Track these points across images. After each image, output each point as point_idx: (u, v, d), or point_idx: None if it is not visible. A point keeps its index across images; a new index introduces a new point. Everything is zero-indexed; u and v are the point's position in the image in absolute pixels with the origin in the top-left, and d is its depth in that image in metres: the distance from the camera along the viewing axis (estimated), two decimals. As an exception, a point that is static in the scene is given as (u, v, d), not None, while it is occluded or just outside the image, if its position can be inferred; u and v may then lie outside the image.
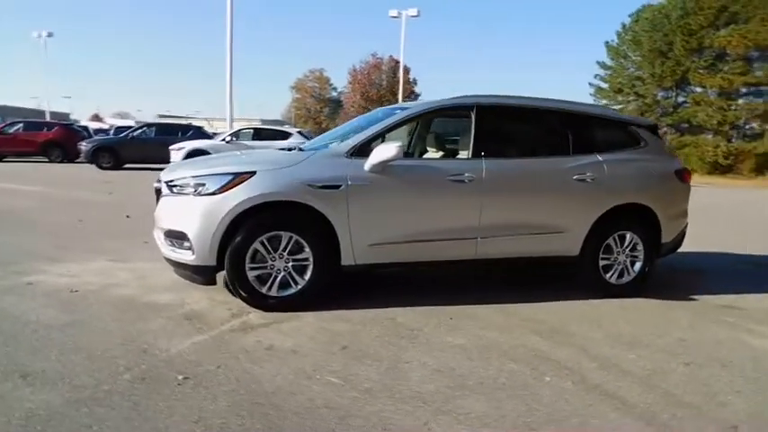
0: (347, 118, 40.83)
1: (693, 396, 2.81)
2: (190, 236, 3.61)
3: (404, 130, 4.52)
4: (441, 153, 4.67)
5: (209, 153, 14.29)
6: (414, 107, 4.17)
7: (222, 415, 2.38)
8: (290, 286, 3.77)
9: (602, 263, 4.51)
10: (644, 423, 2.52)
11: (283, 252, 3.72)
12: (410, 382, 2.79)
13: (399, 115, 4.05)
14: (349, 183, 3.76)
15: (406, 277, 4.97)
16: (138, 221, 6.99)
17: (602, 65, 40.34)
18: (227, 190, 3.60)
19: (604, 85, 40.26)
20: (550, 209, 4.34)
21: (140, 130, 18.40)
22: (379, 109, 5.27)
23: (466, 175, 4.05)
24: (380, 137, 3.96)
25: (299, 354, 3.07)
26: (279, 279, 3.74)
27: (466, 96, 4.28)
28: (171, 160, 13.50)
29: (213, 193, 3.61)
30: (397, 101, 38.91)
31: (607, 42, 39.74)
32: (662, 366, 3.16)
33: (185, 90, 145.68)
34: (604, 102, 40.23)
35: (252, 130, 15.66)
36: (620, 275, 4.58)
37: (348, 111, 41.17)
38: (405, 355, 3.14)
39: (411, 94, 32.36)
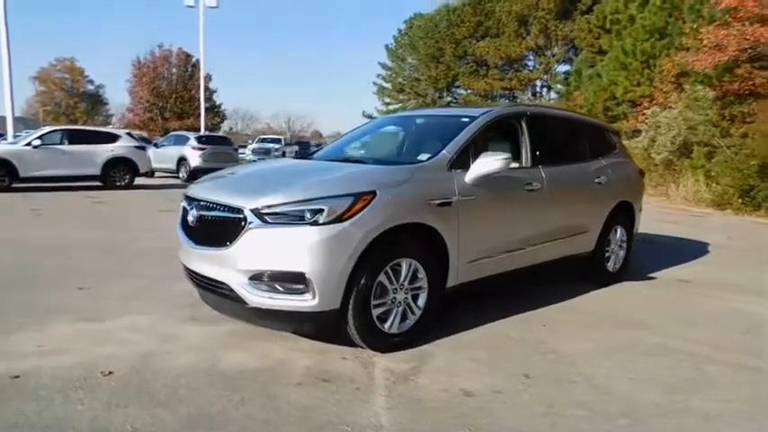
0: (135, 115, 35.75)
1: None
2: (310, 276, 2.87)
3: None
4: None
5: (10, 161, 11.23)
6: (476, 116, 4.00)
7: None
8: (407, 318, 3.31)
9: (605, 254, 5.06)
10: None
11: (404, 282, 3.24)
12: (627, 396, 2.77)
13: (474, 125, 3.84)
14: (458, 197, 3.46)
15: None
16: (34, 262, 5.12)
17: (384, 65, 43.69)
18: (351, 215, 2.96)
19: (387, 85, 43.68)
20: (583, 211, 4.68)
21: None
22: (377, 120, 4.92)
23: (534, 183, 4.10)
24: (469, 148, 3.72)
25: (501, 393, 2.75)
26: (399, 312, 3.24)
27: (517, 105, 4.32)
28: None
29: (337, 220, 2.93)
30: (191, 97, 35.73)
31: (387, 45, 43.17)
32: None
33: None
34: (387, 100, 43.77)
35: (62, 132, 12.54)
36: (614, 264, 5.21)
37: (135, 108, 36.00)
38: (577, 369, 3.08)
39: (206, 90, 29.92)
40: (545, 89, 37.43)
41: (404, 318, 3.29)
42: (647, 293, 4.91)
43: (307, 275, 2.87)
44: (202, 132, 23.43)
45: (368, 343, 3.15)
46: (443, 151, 3.59)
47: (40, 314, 3.70)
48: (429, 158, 3.57)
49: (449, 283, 3.53)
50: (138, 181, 13.79)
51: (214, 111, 38.96)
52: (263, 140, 30.52)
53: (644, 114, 16.94)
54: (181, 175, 16.61)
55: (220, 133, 30.97)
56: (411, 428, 2.39)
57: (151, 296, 4.25)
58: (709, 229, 9.30)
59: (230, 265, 3.01)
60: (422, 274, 3.32)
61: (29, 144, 11.68)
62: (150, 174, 15.78)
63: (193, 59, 36.46)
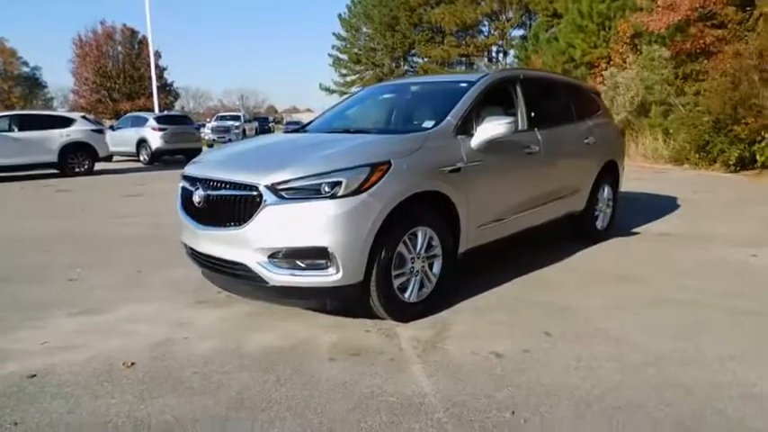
0: (81, 97, 33.54)
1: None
2: (333, 250, 2.81)
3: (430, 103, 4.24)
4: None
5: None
6: (475, 81, 3.95)
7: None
8: (424, 287, 3.32)
9: (594, 213, 5.20)
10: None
11: (421, 250, 3.23)
12: (646, 346, 2.87)
13: (474, 91, 3.80)
14: (466, 163, 3.45)
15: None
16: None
17: (338, 36, 42.75)
18: (369, 186, 2.91)
19: (343, 56, 42.85)
20: (575, 171, 4.77)
21: None
22: (361, 89, 4.81)
23: (532, 146, 4.13)
24: (471, 113, 3.69)
25: (529, 352, 2.81)
26: (417, 281, 3.24)
27: (511, 69, 4.34)
28: None
29: (356, 192, 2.87)
30: (140, 76, 33.93)
31: (340, 15, 42.17)
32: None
33: None
34: (344, 71, 43.02)
35: (10, 118, 11.69)
36: (603, 222, 5.36)
37: (80, 90, 33.92)
38: (593, 324, 3.17)
39: (157, 68, 28.47)
40: (501, 54, 37.68)
41: (421, 286, 3.29)
42: (634, 248, 5.08)
43: (329, 250, 2.82)
44: (160, 112, 22.47)
45: (390, 314, 3.14)
46: (448, 118, 3.55)
47: (34, 309, 3.52)
48: (434, 126, 3.53)
49: (460, 248, 3.55)
50: (98, 166, 13.19)
51: (166, 90, 37.27)
52: (223, 118, 29.54)
53: (602, 76, 17.30)
54: (142, 158, 15.97)
55: (174, 112, 29.82)
56: (456, 393, 2.41)
57: (147, 283, 4.10)
58: (673, 184, 9.68)
59: (247, 244, 2.92)
60: (436, 241, 3.32)
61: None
62: (108, 158, 15.11)
63: (140, 36, 34.59)
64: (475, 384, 2.49)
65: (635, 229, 5.85)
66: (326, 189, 2.85)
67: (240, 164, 3.28)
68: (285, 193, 2.86)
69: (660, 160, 14.16)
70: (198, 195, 3.16)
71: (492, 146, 3.63)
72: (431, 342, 2.95)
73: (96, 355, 2.82)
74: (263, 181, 2.89)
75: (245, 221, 2.92)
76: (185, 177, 3.40)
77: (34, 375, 2.61)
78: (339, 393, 2.42)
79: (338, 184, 2.85)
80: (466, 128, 3.59)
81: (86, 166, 12.41)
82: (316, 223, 2.83)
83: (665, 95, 15.22)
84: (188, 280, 3.98)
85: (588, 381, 2.53)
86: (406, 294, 3.19)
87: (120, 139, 16.09)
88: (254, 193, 2.90)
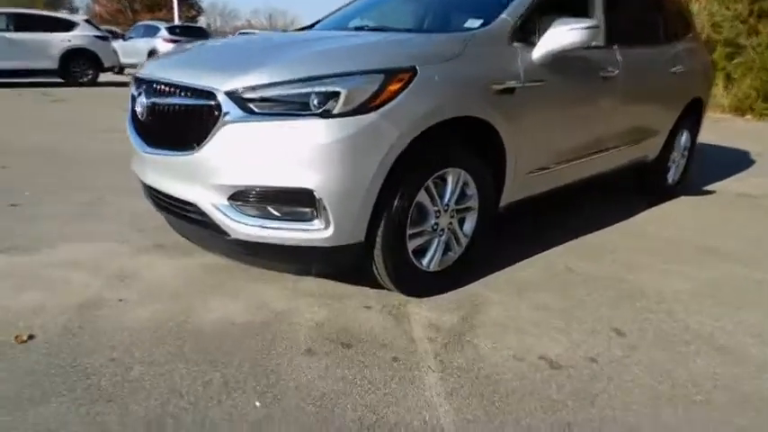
0: (102, 6, 31.87)
1: None
2: (321, 194, 1.91)
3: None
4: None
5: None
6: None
7: None
8: (450, 251, 2.43)
9: (667, 163, 4.15)
10: None
11: (449, 201, 2.31)
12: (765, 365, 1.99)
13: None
14: (523, 82, 2.44)
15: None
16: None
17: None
18: (382, 102, 1.95)
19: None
20: (656, 108, 3.70)
21: None
22: None
23: (610, 69, 3.06)
24: (535, 12, 2.62)
25: (597, 361, 1.93)
26: (442, 243, 2.35)
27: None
28: None
29: (361, 110, 1.92)
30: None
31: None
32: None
33: None
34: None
35: (6, 17, 10.61)
36: (674, 175, 4.32)
37: None
38: (681, 322, 2.27)
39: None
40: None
41: (446, 249, 2.40)
42: (713, 212, 4.06)
43: (316, 194, 1.92)
44: (176, 22, 21.13)
45: (402, 286, 2.28)
46: (503, 15, 2.49)
47: (-51, 241, 2.75)
48: (482, 26, 2.49)
49: (503, 200, 2.62)
50: (106, 78, 12.27)
51: (189, 3, 35.48)
52: (244, 34, 27.95)
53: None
54: (152, 72, 14.92)
55: (189, 23, 28.25)
56: None
57: (104, 215, 3.28)
58: (738, 135, 8.43)
59: (199, 178, 2.03)
60: (472, 189, 2.39)
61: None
62: (119, 70, 14.14)
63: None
64: (519, 416, 1.64)
65: (708, 187, 4.80)
66: (316, 103, 1.90)
67: (202, 62, 2.32)
68: (255, 106, 1.92)
69: (717, 109, 12.64)
70: (140, 104, 2.24)
71: (560, 61, 2.59)
72: (455, 332, 2.09)
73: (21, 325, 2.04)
74: (222, 85, 1.95)
75: (198, 144, 2.00)
76: (135, 80, 2.47)
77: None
78: (309, 418, 1.59)
79: (334, 95, 1.90)
80: (526, 33, 2.54)
81: (90, 76, 11.47)
82: (297, 153, 1.90)
83: (735, 35, 13.39)
84: (152, 214, 3.14)
85: (696, 425, 1.66)
86: (425, 260, 2.31)
87: (131, 50, 15.04)
88: (211, 103, 1.96)
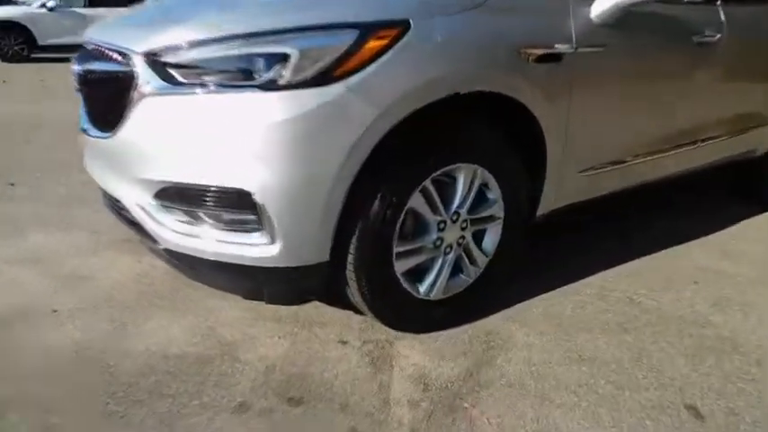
0: None
1: None
2: (265, 199, 1.38)
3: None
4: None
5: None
6: None
7: None
8: (462, 272, 1.83)
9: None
10: None
11: (460, 207, 1.71)
12: None
13: None
14: (575, 47, 1.77)
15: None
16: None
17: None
18: (353, 69, 1.38)
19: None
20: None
21: None
22: None
23: (708, 31, 2.28)
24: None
25: None
26: (448, 263, 1.76)
27: None
28: None
29: (321, 79, 1.36)
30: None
31: None
32: None
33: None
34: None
35: None
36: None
37: None
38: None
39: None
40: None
41: (456, 271, 1.80)
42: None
43: (255, 198, 1.39)
44: None
45: (386, 318, 1.71)
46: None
47: None
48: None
49: (542, 207, 1.96)
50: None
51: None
52: None
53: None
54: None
55: None
56: None
57: (93, 198, 2.96)
58: None
59: (121, 167, 1.56)
60: (494, 192, 1.76)
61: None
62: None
63: None
64: None
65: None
66: (260, 68, 1.36)
67: (138, 17, 1.84)
68: (179, 74, 1.40)
69: None
70: (73, 72, 1.80)
71: (633, 19, 1.88)
72: (449, 394, 1.50)
73: None
74: (138, 45, 1.45)
75: (117, 125, 1.54)
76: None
77: None
78: None
79: (282, 59, 1.34)
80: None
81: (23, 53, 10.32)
82: (230, 141, 1.38)
83: None
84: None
85: None
86: (423, 286, 1.72)
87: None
88: (127, 69, 1.48)
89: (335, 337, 1.74)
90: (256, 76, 1.35)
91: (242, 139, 1.36)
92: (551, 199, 1.98)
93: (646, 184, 2.42)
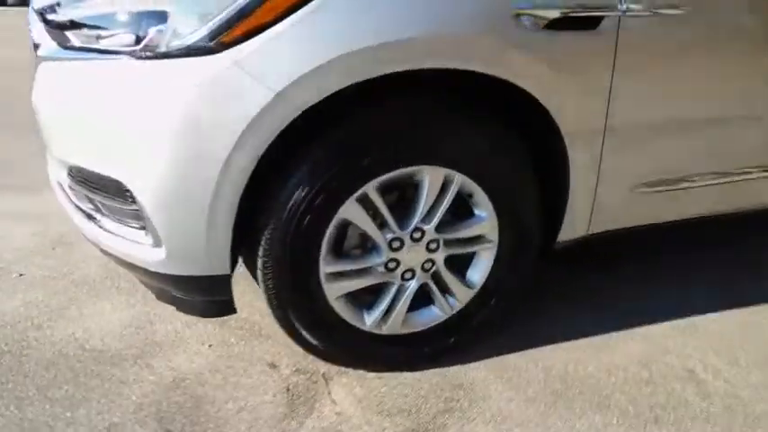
0: None
1: None
2: (137, 192, 1.12)
3: None
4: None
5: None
6: None
7: None
8: (432, 306, 1.42)
9: None
10: None
11: (424, 223, 1.30)
12: None
13: None
14: (624, 10, 1.22)
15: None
16: None
17: None
18: (249, 30, 1.02)
19: None
20: None
21: None
22: None
23: None
24: None
25: None
26: (408, 293, 1.36)
27: None
28: None
29: (206, 47, 1.03)
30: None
31: None
32: None
33: None
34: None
35: None
36: None
37: None
38: None
39: None
40: None
41: (426, 303, 1.40)
42: None
43: (131, 190, 1.13)
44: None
45: (316, 351, 1.38)
46: None
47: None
48: None
49: (565, 231, 1.44)
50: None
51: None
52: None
53: None
54: None
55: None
56: None
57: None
58: None
59: (44, 138, 1.42)
60: (484, 207, 1.30)
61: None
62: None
63: None
64: None
65: None
66: (139, 31, 1.07)
67: None
68: (71, 35, 1.16)
69: None
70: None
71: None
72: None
73: None
74: (36, 1, 1.26)
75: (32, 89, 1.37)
76: None
77: None
78: None
79: (157, 19, 1.03)
80: None
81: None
82: (105, 120, 1.12)
83: None
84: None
85: None
86: (371, 317, 1.34)
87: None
88: (33, 33, 1.29)
89: (269, 358, 1.46)
90: (132, 41, 1.07)
91: (114, 119, 1.10)
92: (586, 222, 1.45)
93: (730, 213, 1.72)
